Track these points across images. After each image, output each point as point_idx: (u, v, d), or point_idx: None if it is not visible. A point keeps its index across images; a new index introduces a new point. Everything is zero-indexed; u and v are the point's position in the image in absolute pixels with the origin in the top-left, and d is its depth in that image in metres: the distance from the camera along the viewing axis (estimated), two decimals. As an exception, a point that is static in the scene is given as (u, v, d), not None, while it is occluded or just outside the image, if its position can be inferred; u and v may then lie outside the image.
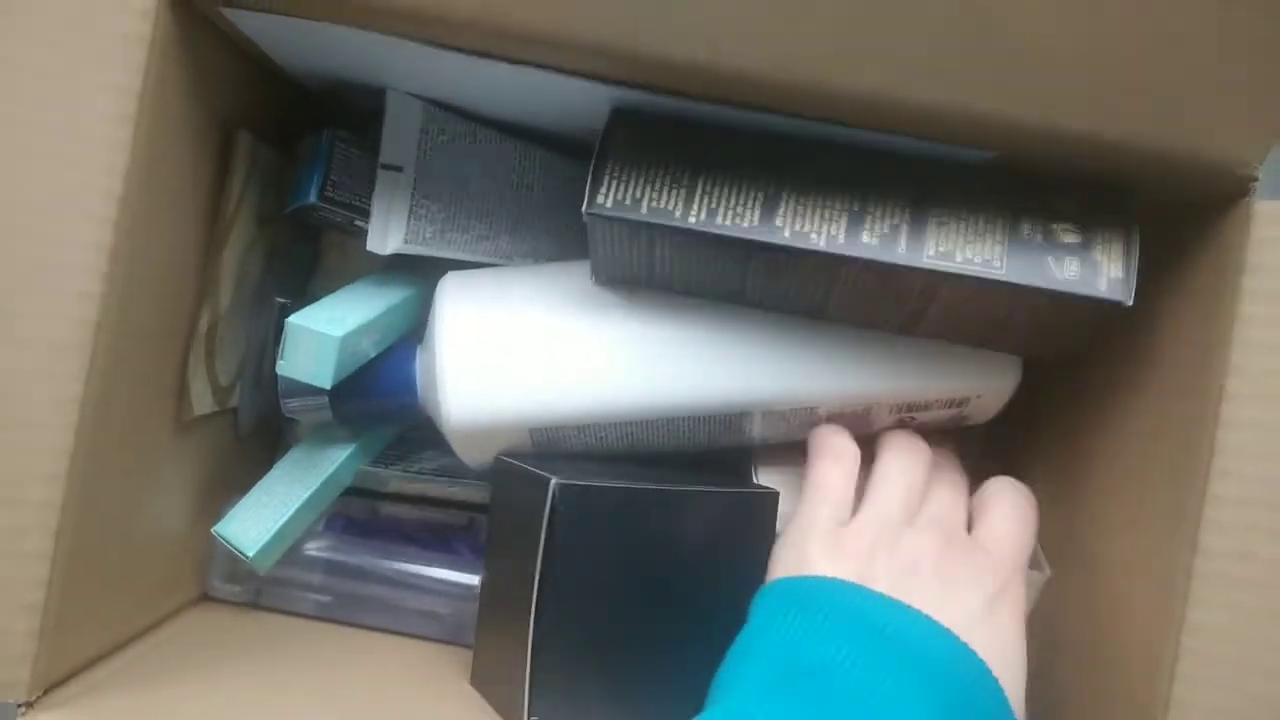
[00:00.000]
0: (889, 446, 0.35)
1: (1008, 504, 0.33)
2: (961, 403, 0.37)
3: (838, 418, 0.37)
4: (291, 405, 0.38)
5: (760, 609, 0.31)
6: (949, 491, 0.34)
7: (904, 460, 0.34)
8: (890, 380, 0.36)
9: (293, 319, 0.34)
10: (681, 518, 0.34)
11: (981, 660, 0.28)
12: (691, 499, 0.35)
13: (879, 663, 0.27)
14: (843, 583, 0.30)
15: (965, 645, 0.28)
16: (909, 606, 0.29)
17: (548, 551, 0.32)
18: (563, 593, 0.33)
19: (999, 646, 0.29)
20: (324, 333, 0.34)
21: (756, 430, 0.38)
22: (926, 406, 0.37)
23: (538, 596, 0.32)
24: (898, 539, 0.31)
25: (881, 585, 0.30)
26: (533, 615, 0.32)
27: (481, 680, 0.37)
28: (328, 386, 0.34)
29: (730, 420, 0.37)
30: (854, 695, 0.27)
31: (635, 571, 0.34)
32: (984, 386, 0.37)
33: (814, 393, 0.36)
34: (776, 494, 0.37)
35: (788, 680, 0.28)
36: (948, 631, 0.28)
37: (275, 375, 0.38)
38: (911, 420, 0.38)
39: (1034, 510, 0.33)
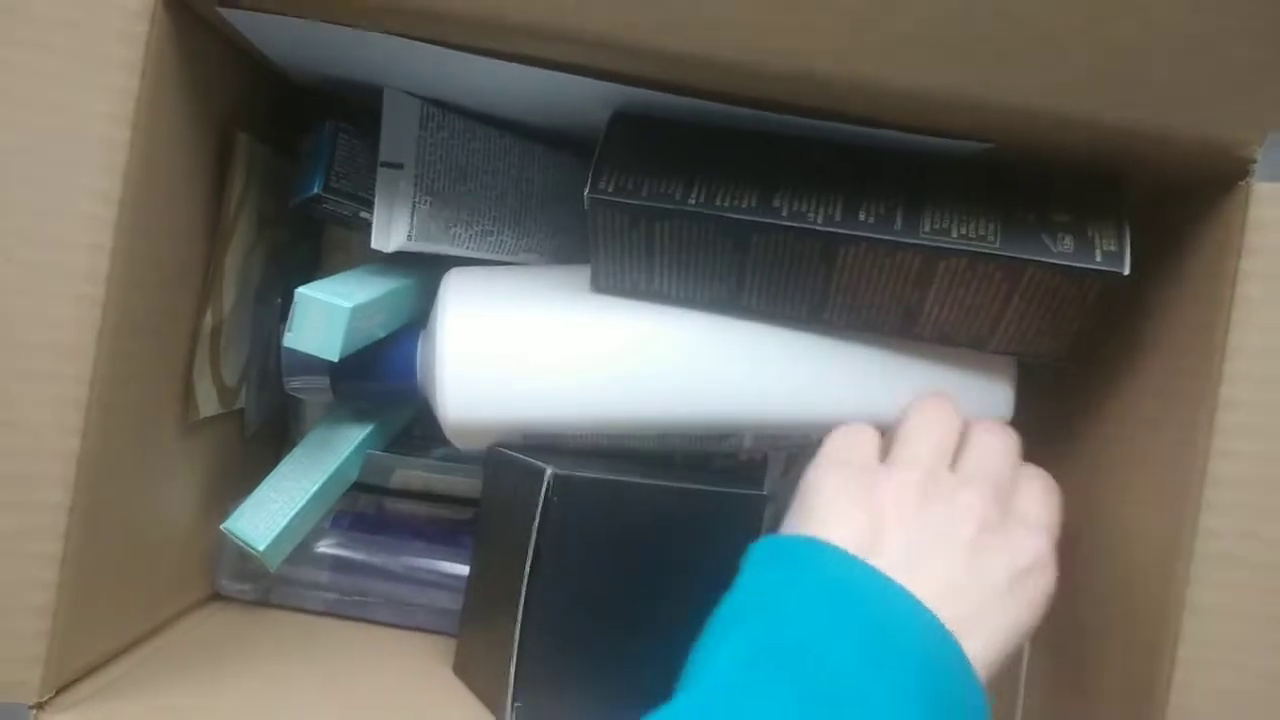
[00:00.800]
0: (918, 408, 0.33)
1: (1038, 481, 0.32)
2: None
3: None
4: (294, 384, 0.38)
5: (752, 567, 0.29)
6: (991, 449, 0.31)
7: (933, 417, 0.32)
8: (881, 412, 0.36)
9: (303, 290, 0.34)
10: (672, 513, 0.35)
11: (973, 670, 0.26)
12: (683, 495, 0.35)
13: (864, 658, 0.25)
14: (842, 555, 0.28)
15: (959, 649, 0.26)
16: (909, 595, 0.27)
17: (539, 541, 0.32)
18: (552, 583, 0.33)
19: (1008, 626, 0.28)
20: (335, 303, 0.34)
21: (748, 445, 0.38)
22: None
23: (527, 585, 0.32)
24: (933, 494, 0.30)
25: (897, 549, 0.28)
26: (521, 604, 0.33)
27: (465, 668, 0.37)
28: (335, 359, 0.34)
29: (721, 438, 0.37)
30: (833, 688, 0.25)
31: (624, 564, 0.34)
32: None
33: (806, 419, 0.36)
34: (764, 496, 0.37)
35: (766, 662, 0.26)
36: (945, 632, 0.26)
37: (280, 376, 0.38)
38: None
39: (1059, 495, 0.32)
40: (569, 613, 0.33)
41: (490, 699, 0.34)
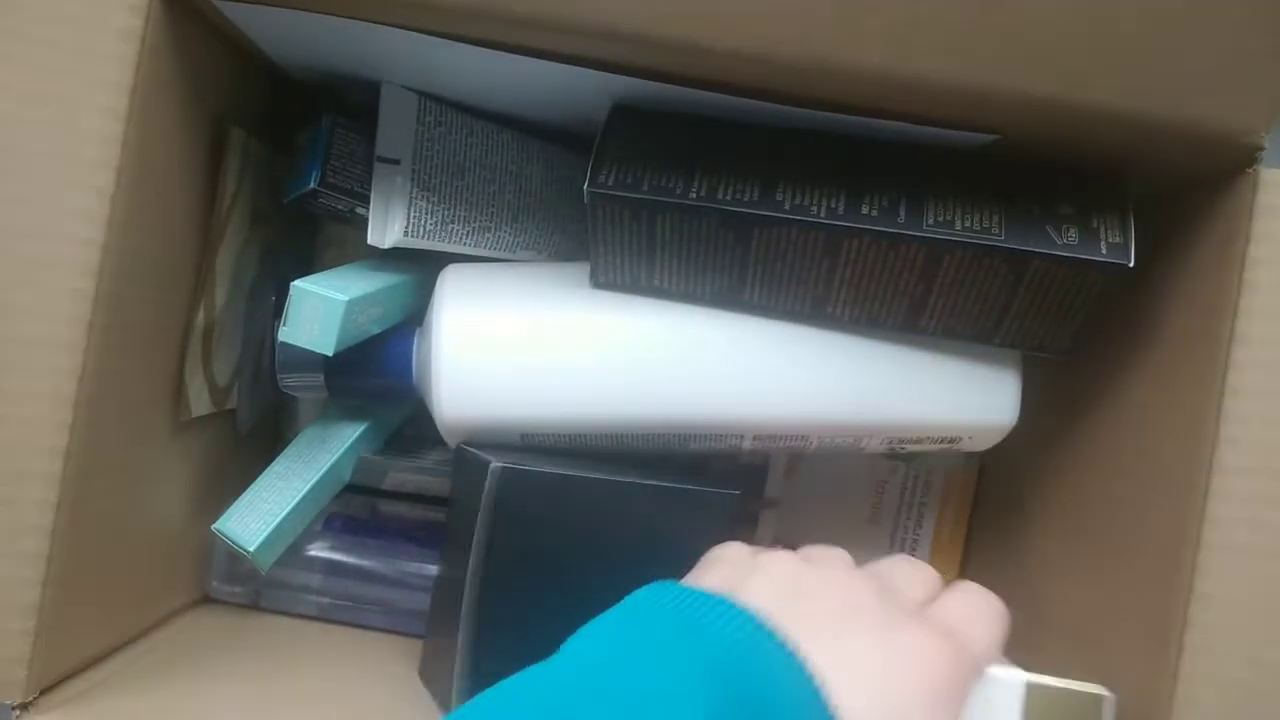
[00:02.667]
0: None
1: (975, 596, 0.27)
2: (953, 440, 0.37)
3: (829, 447, 0.37)
4: (288, 381, 0.37)
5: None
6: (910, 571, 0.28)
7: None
8: (883, 415, 0.36)
9: (298, 283, 0.34)
10: (627, 510, 0.33)
11: (790, 652, 0.22)
12: (643, 492, 0.33)
13: (662, 654, 0.22)
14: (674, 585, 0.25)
15: (771, 634, 0.23)
16: (721, 597, 0.24)
17: (486, 538, 0.32)
18: (499, 581, 0.32)
19: (882, 695, 0.22)
20: (331, 296, 0.33)
21: (746, 448, 0.38)
22: (918, 441, 0.37)
23: (471, 583, 0.32)
24: (821, 569, 0.26)
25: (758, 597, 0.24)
26: (464, 604, 0.32)
27: (425, 672, 0.36)
28: (330, 353, 0.34)
29: (720, 439, 0.37)
30: (627, 688, 0.21)
31: (577, 562, 0.33)
32: (978, 426, 0.37)
33: (806, 423, 0.36)
34: (735, 495, 0.35)
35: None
36: (753, 618, 0.23)
37: (273, 376, 0.38)
38: (902, 449, 0.38)
39: (1003, 614, 0.27)
40: (518, 612, 0.32)
41: (443, 702, 0.34)
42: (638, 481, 0.33)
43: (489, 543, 0.32)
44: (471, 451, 0.35)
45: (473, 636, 0.32)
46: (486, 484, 0.31)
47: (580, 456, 0.37)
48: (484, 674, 0.32)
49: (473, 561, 0.32)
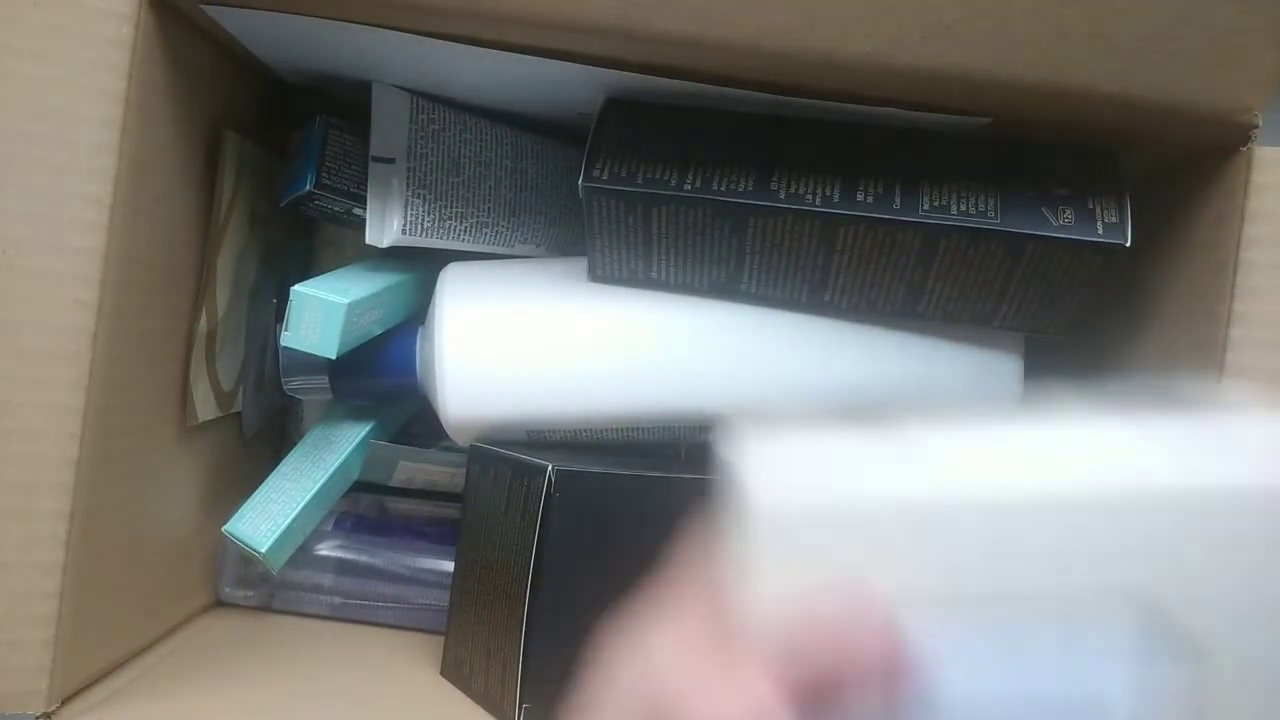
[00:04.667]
0: None
1: None
2: None
3: None
4: (294, 384, 0.38)
5: None
6: None
7: None
8: (886, 395, 0.36)
9: (298, 287, 0.34)
10: (663, 502, 0.34)
11: None
12: (672, 484, 0.35)
13: None
14: None
15: None
16: None
17: (543, 536, 0.32)
18: (556, 578, 0.33)
19: None
20: (331, 299, 0.34)
21: None
22: None
23: (532, 583, 0.32)
24: None
25: None
26: (526, 602, 0.32)
27: (458, 670, 0.37)
28: (333, 356, 0.34)
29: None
30: None
31: (624, 556, 0.34)
32: (981, 409, 0.37)
33: (813, 405, 0.36)
34: None
35: None
36: None
37: (277, 378, 0.38)
38: None
39: None
40: (573, 607, 0.33)
41: (493, 701, 0.34)
42: (672, 476, 0.35)
43: (546, 540, 0.32)
44: (503, 452, 0.35)
45: (533, 633, 0.33)
46: (544, 487, 0.32)
47: (597, 451, 0.37)
48: (545, 668, 0.33)
49: (530, 560, 0.33)
